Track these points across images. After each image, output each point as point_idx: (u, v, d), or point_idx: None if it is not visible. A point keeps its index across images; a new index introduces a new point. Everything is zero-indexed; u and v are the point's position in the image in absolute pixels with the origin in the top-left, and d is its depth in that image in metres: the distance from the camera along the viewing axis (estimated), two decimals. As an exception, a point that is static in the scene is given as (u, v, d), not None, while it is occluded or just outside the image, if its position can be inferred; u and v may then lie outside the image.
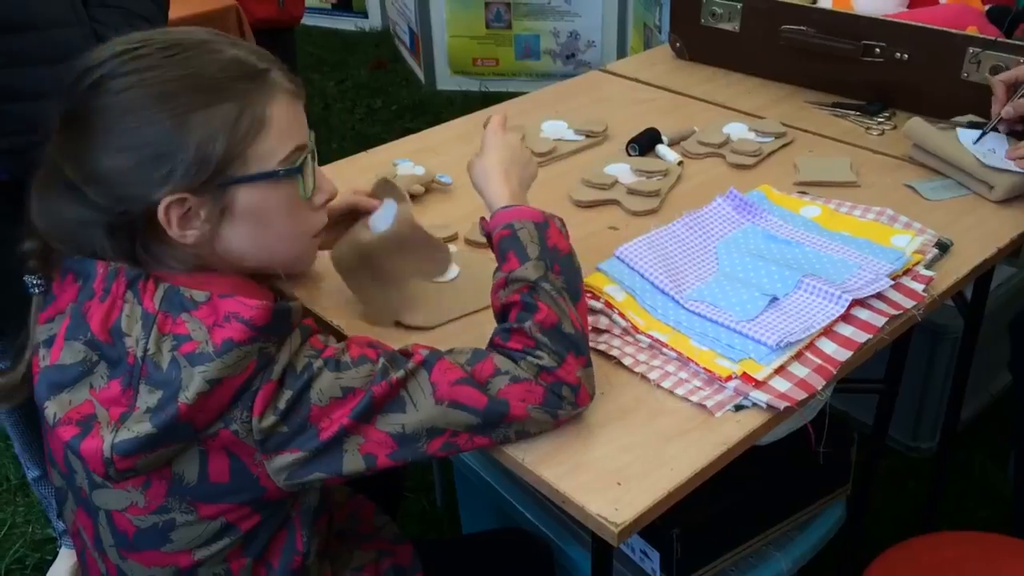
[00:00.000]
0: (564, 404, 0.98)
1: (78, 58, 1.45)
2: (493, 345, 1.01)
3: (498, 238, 1.05)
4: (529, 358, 0.98)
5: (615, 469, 0.98)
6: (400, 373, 0.93)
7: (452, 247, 1.27)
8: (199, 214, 0.91)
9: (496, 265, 1.06)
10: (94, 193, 0.90)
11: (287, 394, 0.90)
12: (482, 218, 1.12)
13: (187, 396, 0.86)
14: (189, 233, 0.91)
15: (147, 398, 0.88)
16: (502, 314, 1.03)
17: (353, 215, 1.18)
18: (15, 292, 1.64)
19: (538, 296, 1.00)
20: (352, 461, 0.92)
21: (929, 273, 1.24)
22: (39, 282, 1.00)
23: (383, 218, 1.16)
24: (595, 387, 1.03)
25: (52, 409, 0.93)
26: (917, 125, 1.53)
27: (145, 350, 0.89)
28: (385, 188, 1.18)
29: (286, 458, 0.91)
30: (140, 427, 0.87)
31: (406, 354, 0.96)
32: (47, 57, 1.47)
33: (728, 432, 1.03)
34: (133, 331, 0.90)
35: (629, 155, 1.61)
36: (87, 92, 0.90)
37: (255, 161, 0.92)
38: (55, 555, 2.00)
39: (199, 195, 0.90)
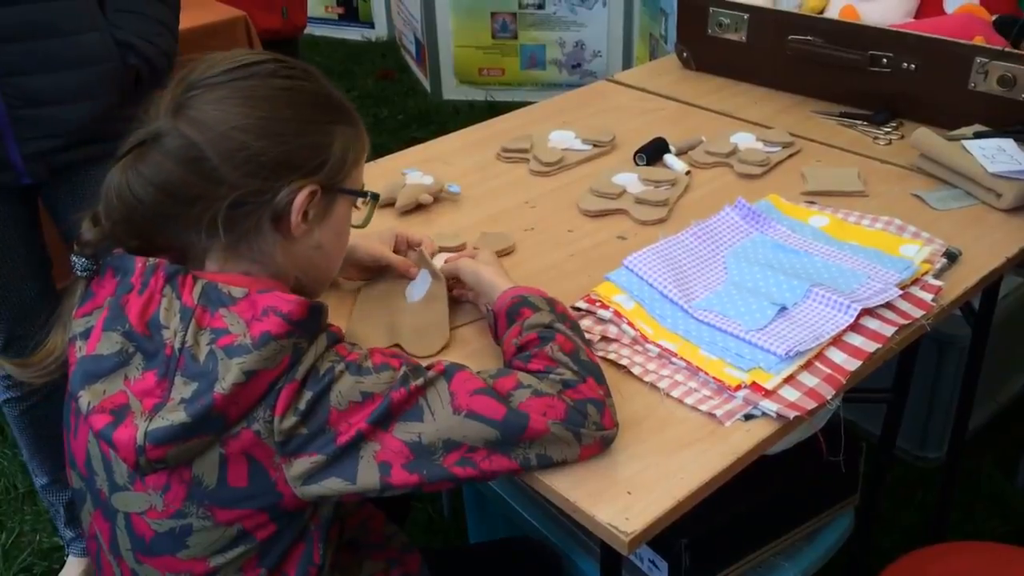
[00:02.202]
0: (588, 423, 0.97)
1: (100, 63, 1.48)
2: (513, 368, 1.02)
3: (509, 305, 1.09)
4: (552, 376, 0.99)
5: (625, 478, 0.98)
6: (420, 381, 0.93)
7: (439, 260, 1.30)
8: (312, 210, 0.98)
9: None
10: (246, 170, 0.93)
11: (307, 395, 0.91)
12: (485, 305, 1.17)
13: (223, 386, 0.88)
14: (302, 226, 0.97)
15: (182, 389, 0.90)
16: (518, 353, 1.04)
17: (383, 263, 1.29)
18: (31, 294, 1.67)
19: (555, 331, 1.04)
20: (367, 469, 0.92)
21: (937, 283, 1.24)
22: (86, 265, 1.01)
23: (417, 289, 1.26)
24: (618, 419, 1.02)
25: (86, 398, 0.94)
26: (924, 135, 1.53)
27: (183, 342, 0.91)
28: (422, 261, 1.28)
29: (304, 463, 0.91)
30: (175, 415, 0.89)
31: (430, 367, 0.96)
32: (72, 62, 1.52)
33: (737, 441, 1.03)
34: (171, 324, 0.92)
35: (637, 165, 1.62)
36: (257, 77, 0.96)
37: (353, 181, 1.04)
38: (63, 563, 2.00)
39: (322, 193, 0.98)
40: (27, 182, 1.57)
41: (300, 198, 0.96)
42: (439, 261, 1.29)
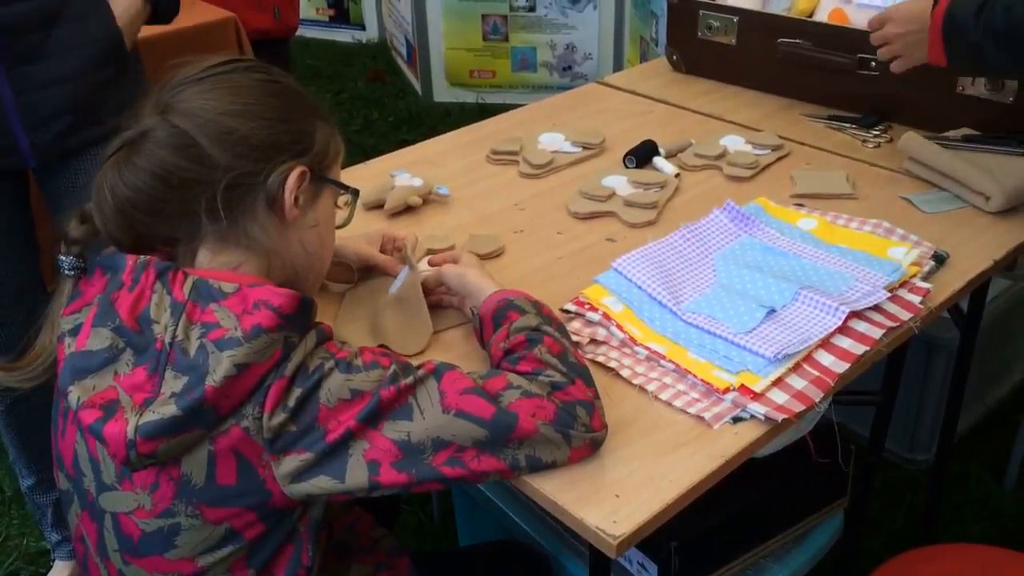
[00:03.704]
0: (577, 425, 0.97)
1: (101, 41, 1.54)
2: (502, 370, 1.02)
3: (495, 309, 1.09)
4: (541, 377, 0.98)
5: (613, 481, 0.98)
6: (409, 380, 0.93)
7: (423, 265, 1.30)
8: (302, 195, 1.00)
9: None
10: (237, 152, 0.95)
11: (297, 392, 0.91)
12: (471, 308, 1.16)
13: (214, 379, 0.88)
14: (294, 210, 0.99)
15: (172, 384, 0.90)
16: (506, 356, 1.04)
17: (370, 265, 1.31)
18: (24, 280, 1.68)
19: (543, 333, 1.04)
20: (356, 467, 0.92)
21: (926, 285, 1.24)
22: (73, 264, 1.01)
23: (396, 282, 1.27)
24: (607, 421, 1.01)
25: (75, 394, 0.93)
26: (912, 139, 1.53)
27: (174, 336, 0.91)
28: (402, 255, 1.31)
29: (292, 460, 0.91)
30: (166, 409, 0.89)
31: (420, 366, 0.96)
32: (81, 44, 1.59)
33: (726, 444, 1.03)
34: (162, 318, 0.92)
35: (626, 167, 1.62)
36: (238, 72, 0.99)
37: (334, 176, 1.06)
38: (49, 568, 1.99)
39: (311, 176, 1.00)
40: (33, 165, 1.60)
41: (292, 179, 0.97)
42: (423, 264, 1.29)
